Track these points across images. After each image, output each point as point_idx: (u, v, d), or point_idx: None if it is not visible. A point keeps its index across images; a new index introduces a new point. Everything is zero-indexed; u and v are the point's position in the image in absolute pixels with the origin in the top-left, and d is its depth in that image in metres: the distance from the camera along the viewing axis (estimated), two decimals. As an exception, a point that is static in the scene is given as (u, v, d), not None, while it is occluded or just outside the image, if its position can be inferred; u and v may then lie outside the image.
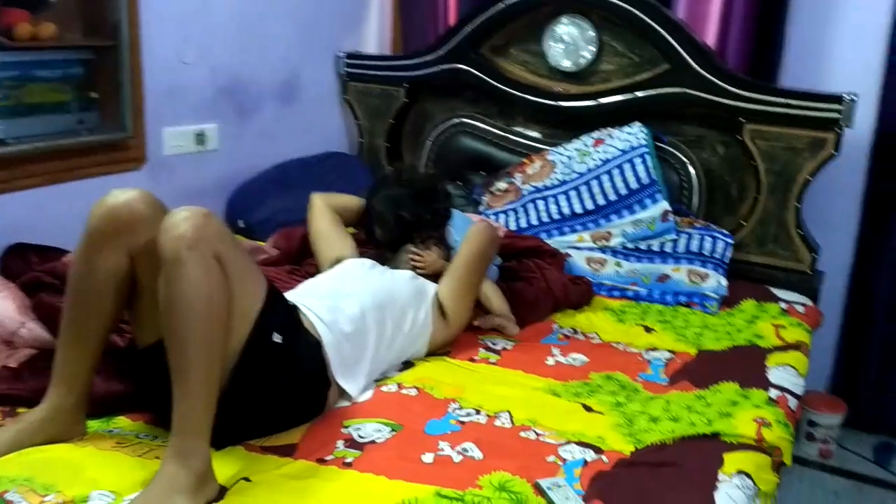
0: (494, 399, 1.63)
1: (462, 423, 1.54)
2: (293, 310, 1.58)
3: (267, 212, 2.67)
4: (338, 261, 2.01)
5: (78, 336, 1.42)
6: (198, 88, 2.56)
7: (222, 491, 1.28)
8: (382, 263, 1.99)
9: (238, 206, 2.72)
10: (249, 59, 2.73)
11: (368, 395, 1.65)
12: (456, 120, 2.95)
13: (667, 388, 1.75)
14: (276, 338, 1.43)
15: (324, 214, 2.16)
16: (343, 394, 1.62)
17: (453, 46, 2.87)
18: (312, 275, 2.00)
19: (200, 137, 2.59)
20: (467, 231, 2.06)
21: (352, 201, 2.23)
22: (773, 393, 1.72)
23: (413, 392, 1.66)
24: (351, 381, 1.62)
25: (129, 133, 2.30)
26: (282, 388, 1.46)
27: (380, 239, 2.11)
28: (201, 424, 1.28)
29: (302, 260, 2.32)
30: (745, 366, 1.85)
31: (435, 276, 1.99)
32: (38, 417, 1.39)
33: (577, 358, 1.90)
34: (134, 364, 1.52)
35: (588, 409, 1.63)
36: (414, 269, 2.00)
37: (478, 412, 1.58)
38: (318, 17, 2.99)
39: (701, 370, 1.83)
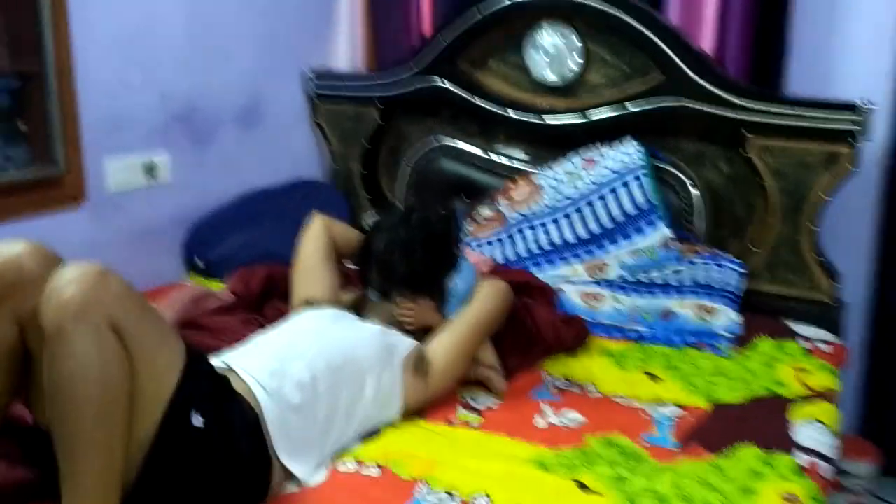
0: (471, 477, 1.37)
1: (429, 513, 1.28)
2: (222, 380, 1.32)
3: (228, 248, 2.42)
4: (307, 303, 1.76)
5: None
6: (145, 116, 2.31)
7: None
8: (362, 310, 1.75)
9: (196, 243, 2.46)
10: (205, 81, 2.47)
11: (321, 476, 1.38)
12: (434, 141, 2.71)
13: (676, 453, 1.49)
14: (197, 420, 1.17)
15: (316, 241, 1.87)
16: (291, 476, 1.36)
17: (429, 61, 2.62)
18: (273, 321, 1.74)
19: (150, 169, 2.34)
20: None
21: (353, 235, 1.94)
22: (802, 458, 1.45)
23: (375, 471, 1.40)
24: (299, 461, 1.36)
25: (62, 168, 2.06)
26: (208, 479, 1.21)
27: (375, 287, 1.79)
28: (96, 538, 1.03)
29: (264, 303, 2.07)
30: (765, 423, 1.59)
31: (422, 331, 1.73)
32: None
33: (572, 417, 1.64)
34: (40, 446, 1.27)
35: (583, 486, 1.36)
36: (401, 323, 1.73)
37: (450, 496, 1.32)
38: (281, 31, 2.73)
39: (715, 429, 1.57)
